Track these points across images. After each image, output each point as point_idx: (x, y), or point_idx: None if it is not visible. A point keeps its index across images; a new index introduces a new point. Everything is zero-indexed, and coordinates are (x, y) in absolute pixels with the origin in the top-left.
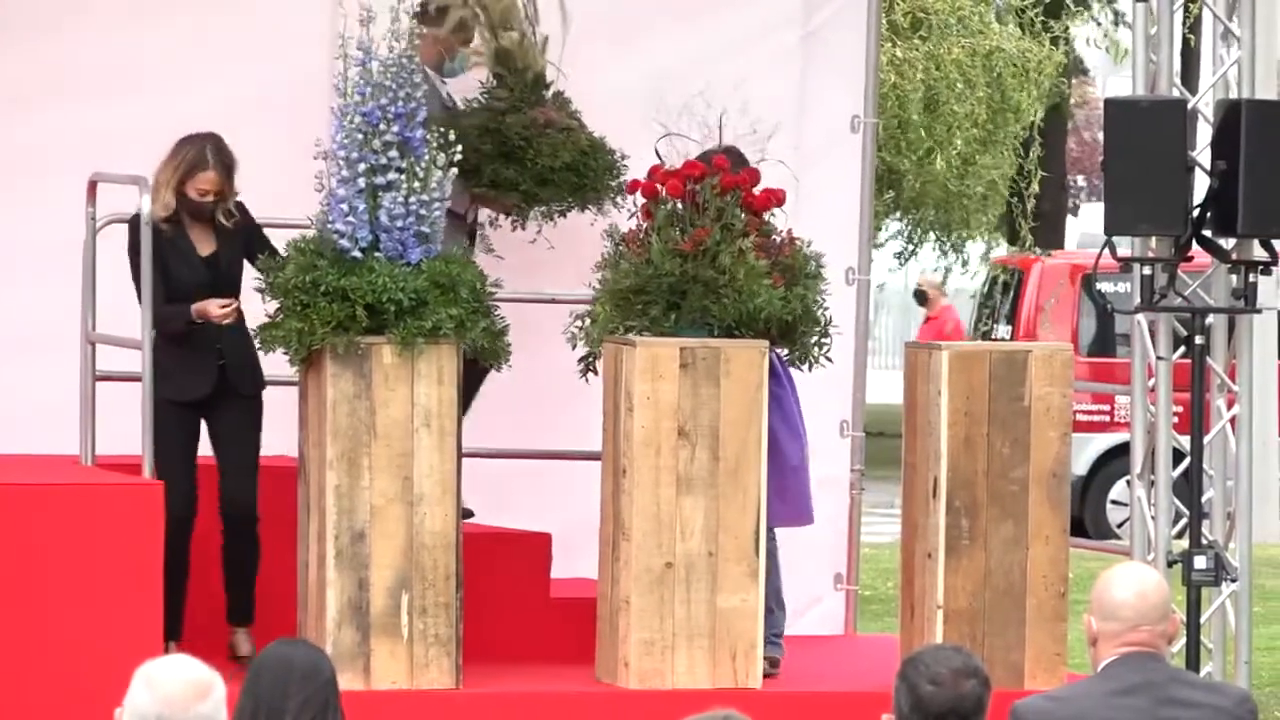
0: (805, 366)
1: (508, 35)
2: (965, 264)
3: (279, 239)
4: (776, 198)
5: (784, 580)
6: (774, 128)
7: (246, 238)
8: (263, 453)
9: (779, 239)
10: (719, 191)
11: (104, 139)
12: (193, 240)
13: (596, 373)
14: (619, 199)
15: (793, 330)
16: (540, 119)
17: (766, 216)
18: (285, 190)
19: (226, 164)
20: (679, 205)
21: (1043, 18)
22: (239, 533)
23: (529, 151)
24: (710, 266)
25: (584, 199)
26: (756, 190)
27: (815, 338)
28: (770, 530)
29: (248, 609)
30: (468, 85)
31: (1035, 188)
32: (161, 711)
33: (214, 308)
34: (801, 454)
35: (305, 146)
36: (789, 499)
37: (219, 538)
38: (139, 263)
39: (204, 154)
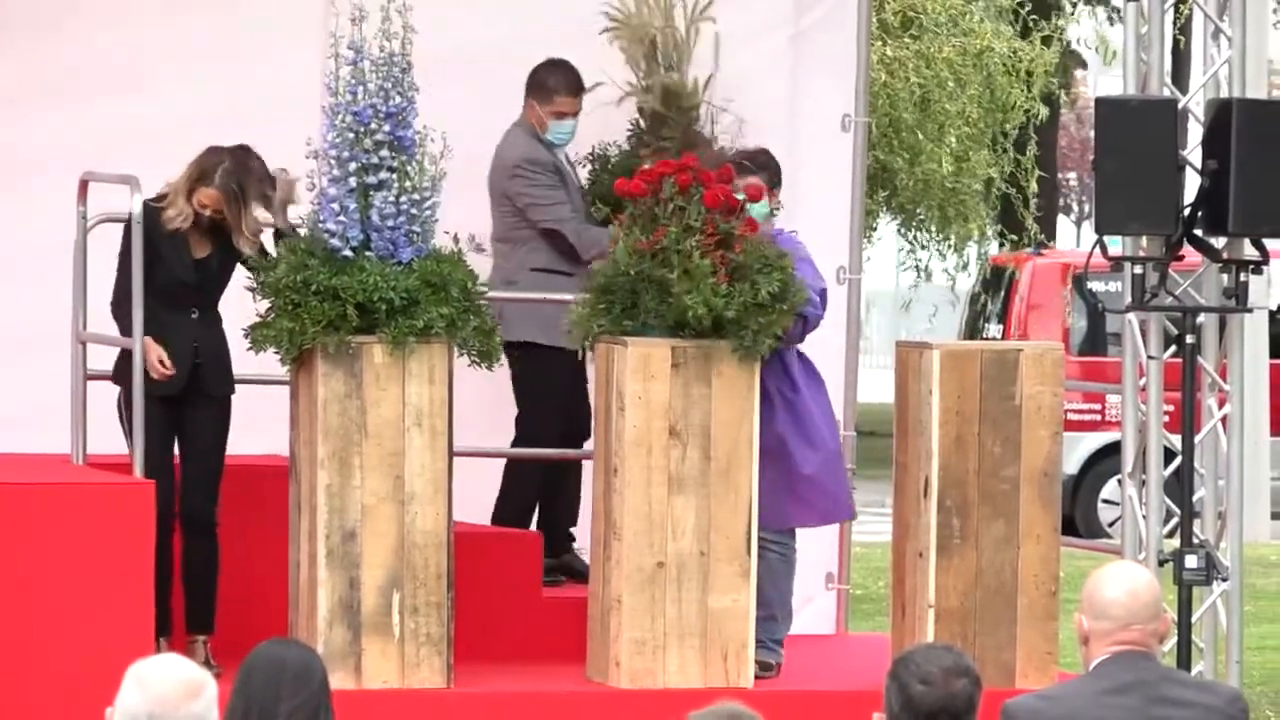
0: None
1: (672, 74)
2: (965, 266)
3: (269, 239)
4: (728, 195)
5: None
6: (740, 126)
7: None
8: (255, 451)
9: (735, 237)
10: (678, 190)
11: (101, 139)
12: (191, 242)
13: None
14: None
15: (735, 325)
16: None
17: (752, 213)
18: None
19: (232, 188)
20: (656, 205)
21: (1034, 16)
22: (196, 540)
23: None
24: (663, 266)
25: None
26: (739, 190)
27: (759, 327)
28: (790, 535)
29: (207, 618)
30: (613, 128)
31: (1034, 185)
32: (153, 710)
33: (154, 357)
34: (819, 461)
35: (297, 146)
36: (805, 501)
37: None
38: (128, 263)
39: (214, 170)
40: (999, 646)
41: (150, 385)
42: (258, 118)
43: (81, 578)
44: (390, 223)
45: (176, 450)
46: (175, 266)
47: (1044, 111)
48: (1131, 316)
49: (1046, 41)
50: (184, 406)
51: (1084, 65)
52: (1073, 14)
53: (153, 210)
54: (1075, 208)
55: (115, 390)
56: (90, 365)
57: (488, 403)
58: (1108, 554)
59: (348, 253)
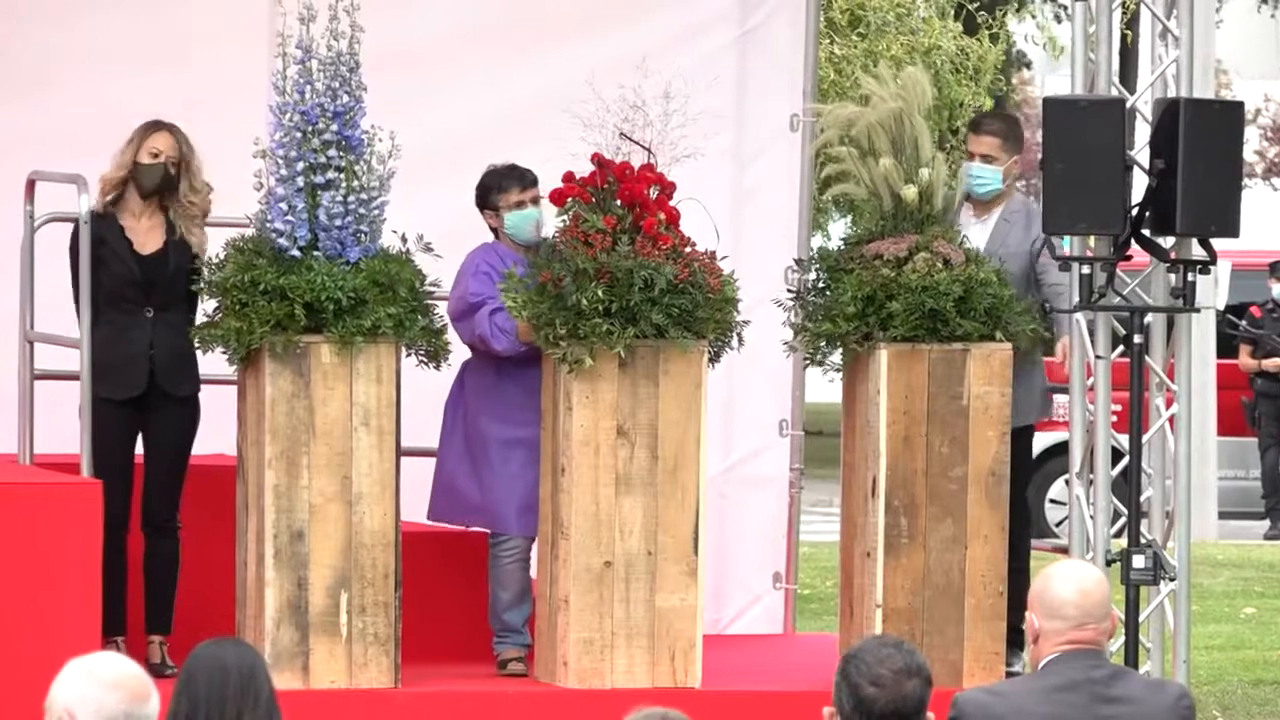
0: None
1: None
2: None
3: (219, 237)
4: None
5: (725, 579)
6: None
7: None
8: (202, 452)
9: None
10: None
11: (47, 138)
12: (137, 239)
13: None
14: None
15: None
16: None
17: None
18: (224, 189)
19: (182, 137)
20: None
21: (981, 13)
22: (156, 542)
23: None
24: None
25: None
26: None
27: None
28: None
29: (164, 619)
30: None
31: None
32: (130, 710)
33: None
34: None
35: (244, 145)
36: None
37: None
38: (78, 261)
39: (157, 121)
40: (946, 646)
41: (110, 388)
42: (205, 117)
43: (27, 578)
44: (338, 222)
45: (141, 451)
46: (117, 264)
47: (988, 108)
48: (1079, 316)
49: (994, 39)
50: (146, 408)
51: (1028, 65)
52: (1018, 9)
53: (97, 214)
54: None
55: (68, 389)
56: (38, 365)
57: (433, 403)
58: (1055, 554)
59: (295, 252)
